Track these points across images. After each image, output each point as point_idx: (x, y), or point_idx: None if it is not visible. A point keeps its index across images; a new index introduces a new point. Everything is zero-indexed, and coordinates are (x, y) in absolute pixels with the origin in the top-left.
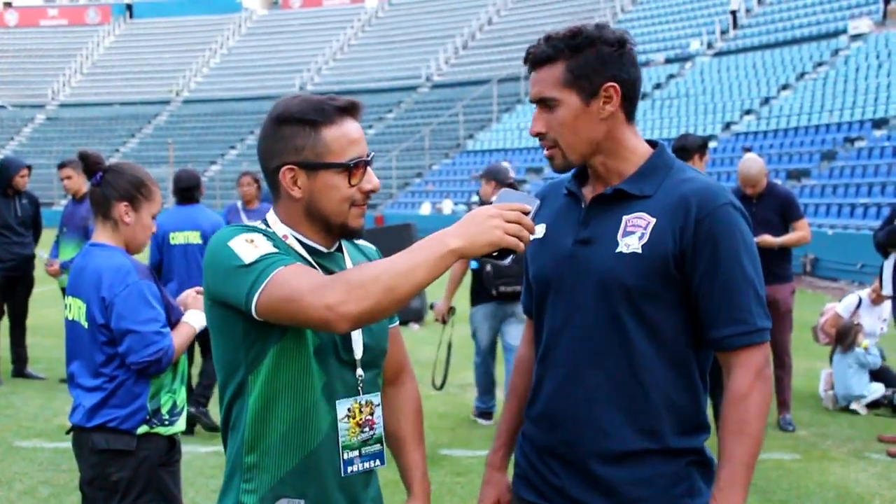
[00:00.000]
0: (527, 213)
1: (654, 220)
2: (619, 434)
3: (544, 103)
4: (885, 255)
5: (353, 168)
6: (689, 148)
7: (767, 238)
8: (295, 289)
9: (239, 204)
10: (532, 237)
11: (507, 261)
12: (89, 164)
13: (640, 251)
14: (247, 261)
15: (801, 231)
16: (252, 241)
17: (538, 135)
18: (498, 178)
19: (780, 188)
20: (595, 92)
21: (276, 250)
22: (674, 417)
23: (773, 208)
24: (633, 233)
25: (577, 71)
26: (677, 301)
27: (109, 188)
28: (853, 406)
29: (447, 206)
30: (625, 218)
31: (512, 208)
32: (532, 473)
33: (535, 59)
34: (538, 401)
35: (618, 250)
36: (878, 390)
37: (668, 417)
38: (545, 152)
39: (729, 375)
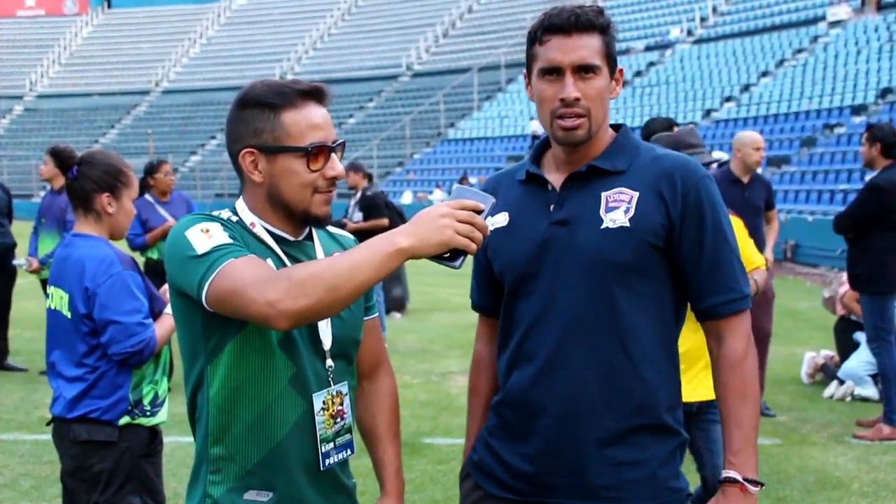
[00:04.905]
0: (480, 212)
1: (636, 194)
2: (613, 412)
3: (586, 70)
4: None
5: (312, 153)
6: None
7: (770, 259)
8: (239, 281)
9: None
10: (492, 228)
11: (458, 263)
12: (63, 160)
13: (627, 224)
14: (200, 251)
15: (775, 221)
16: (207, 230)
17: (575, 100)
18: (355, 167)
19: (762, 175)
20: (613, 72)
21: (230, 241)
22: (664, 391)
23: (761, 195)
24: (618, 207)
25: (609, 47)
26: (663, 273)
27: (88, 181)
28: (856, 390)
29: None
30: (604, 194)
31: (464, 206)
32: (496, 466)
33: (580, 23)
34: (514, 390)
35: (603, 226)
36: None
37: (659, 392)
38: (570, 122)
39: (720, 342)
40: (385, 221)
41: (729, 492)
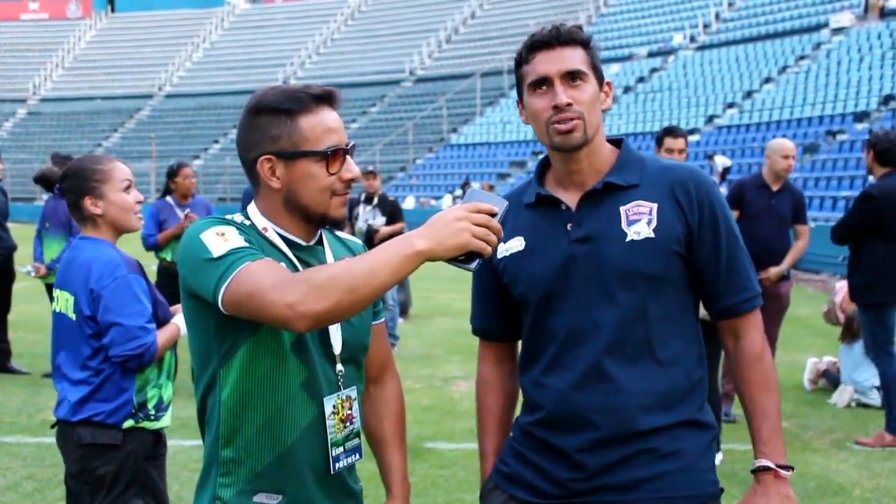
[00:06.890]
0: (494, 215)
1: (655, 205)
2: (649, 416)
3: (573, 77)
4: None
5: (330, 156)
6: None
7: (772, 272)
8: (257, 285)
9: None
10: (508, 253)
11: (474, 265)
12: (50, 184)
13: (652, 235)
14: (215, 254)
15: (803, 239)
16: (223, 234)
17: (567, 105)
18: (374, 172)
19: (796, 186)
20: (600, 83)
21: (246, 244)
22: (696, 392)
23: (788, 205)
24: (639, 220)
25: (592, 59)
26: (685, 279)
27: (69, 193)
28: (860, 397)
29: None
30: (622, 209)
31: (480, 210)
32: (532, 475)
33: (562, 36)
34: (549, 401)
35: (628, 239)
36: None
37: (691, 393)
38: (566, 125)
39: (738, 339)
40: (404, 225)
41: (764, 479)
